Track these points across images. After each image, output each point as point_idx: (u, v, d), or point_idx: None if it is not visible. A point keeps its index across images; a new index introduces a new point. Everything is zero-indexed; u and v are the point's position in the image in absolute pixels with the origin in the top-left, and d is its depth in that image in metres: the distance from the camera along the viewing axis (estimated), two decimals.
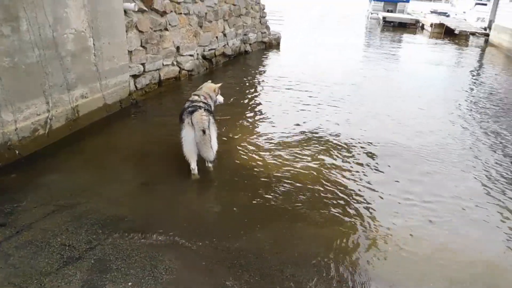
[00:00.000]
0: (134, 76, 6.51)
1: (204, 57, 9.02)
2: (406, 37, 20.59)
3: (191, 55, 8.33)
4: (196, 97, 4.48)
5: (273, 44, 13.15)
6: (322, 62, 11.44)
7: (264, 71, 9.82)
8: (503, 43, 15.88)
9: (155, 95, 7.00)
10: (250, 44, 11.57)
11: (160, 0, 6.89)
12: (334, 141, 5.39)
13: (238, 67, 10.08)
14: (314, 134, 5.61)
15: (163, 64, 7.30)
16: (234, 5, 10.15)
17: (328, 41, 15.84)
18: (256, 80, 8.80)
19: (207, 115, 3.98)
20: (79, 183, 3.94)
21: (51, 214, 3.40)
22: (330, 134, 5.66)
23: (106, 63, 5.54)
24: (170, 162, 4.48)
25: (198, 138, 3.90)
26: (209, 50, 9.22)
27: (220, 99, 4.86)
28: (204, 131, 3.88)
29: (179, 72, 7.88)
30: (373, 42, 17.79)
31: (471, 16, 23.27)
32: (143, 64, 6.67)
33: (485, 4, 23.50)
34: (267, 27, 13.06)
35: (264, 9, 12.55)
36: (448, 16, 26.90)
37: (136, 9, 5.99)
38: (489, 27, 18.63)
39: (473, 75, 11.33)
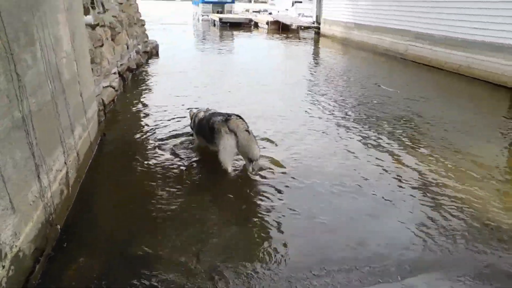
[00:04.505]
0: None
1: (119, 73, 7.86)
2: (249, 34, 22.20)
3: (114, 73, 7.16)
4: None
5: (153, 53, 12.32)
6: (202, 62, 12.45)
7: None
8: (335, 33, 18.83)
9: (107, 124, 5.79)
10: (141, 54, 10.57)
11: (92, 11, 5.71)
12: None
13: (145, 82, 9.09)
14: None
15: (103, 87, 6.08)
16: (129, 14, 9.10)
17: (189, 43, 17.59)
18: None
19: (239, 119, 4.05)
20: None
21: None
22: None
23: (85, 91, 4.35)
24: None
25: (244, 140, 3.93)
26: (120, 65, 8.06)
27: None
28: (248, 131, 3.99)
29: (115, 93, 6.71)
30: (227, 42, 18.57)
31: (292, 13, 26.64)
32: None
33: (301, 2, 27.32)
34: (147, 36, 12.13)
35: (141, 16, 11.60)
36: (270, 13, 30.02)
37: (93, 22, 4.85)
38: (317, 21, 21.73)
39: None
